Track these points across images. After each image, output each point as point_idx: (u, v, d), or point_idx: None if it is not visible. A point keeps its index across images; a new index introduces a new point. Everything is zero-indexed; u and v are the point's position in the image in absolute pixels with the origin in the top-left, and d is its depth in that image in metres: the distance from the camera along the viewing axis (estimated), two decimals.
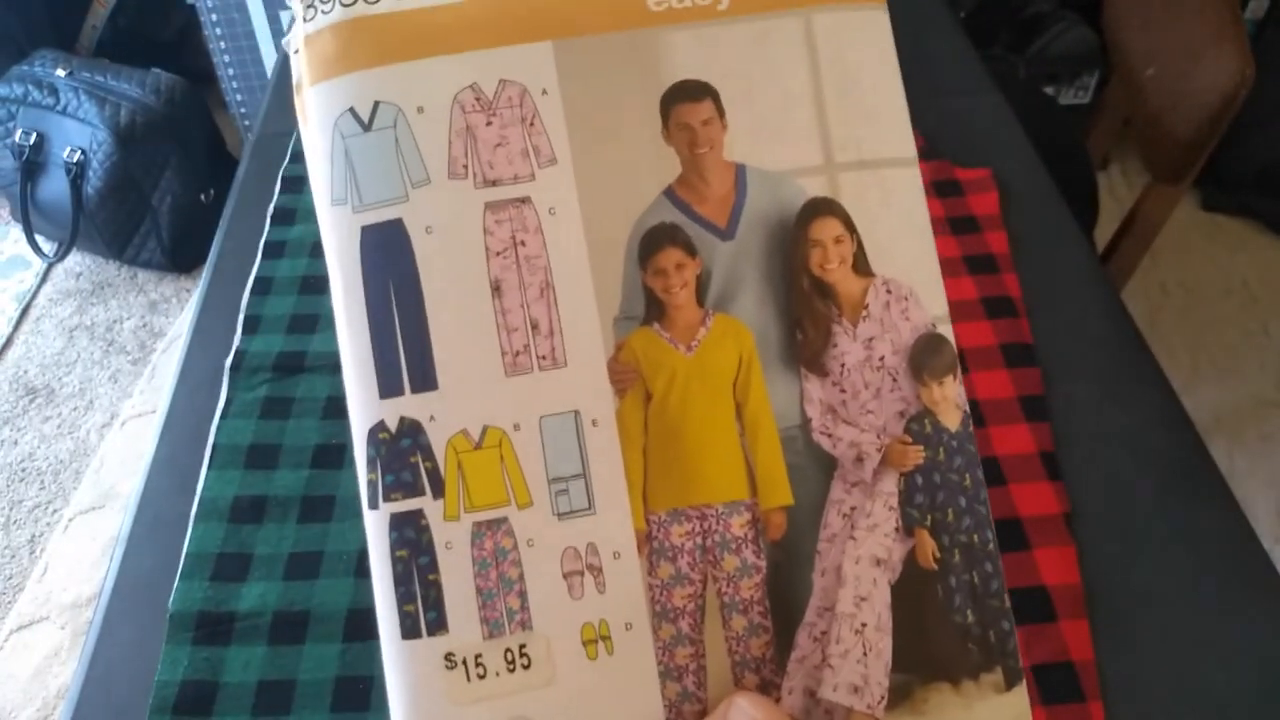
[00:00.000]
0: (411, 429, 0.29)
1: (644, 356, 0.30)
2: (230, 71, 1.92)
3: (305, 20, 0.30)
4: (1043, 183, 0.92)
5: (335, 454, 0.71)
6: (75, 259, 1.95)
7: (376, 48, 0.29)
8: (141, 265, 1.92)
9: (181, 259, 1.90)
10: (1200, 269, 1.86)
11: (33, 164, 1.78)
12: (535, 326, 0.29)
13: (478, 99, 0.29)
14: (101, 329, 1.83)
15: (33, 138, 1.75)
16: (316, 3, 0.30)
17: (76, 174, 1.74)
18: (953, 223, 0.87)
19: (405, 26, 0.29)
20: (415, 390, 0.29)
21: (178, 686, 0.60)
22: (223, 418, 0.74)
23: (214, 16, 1.84)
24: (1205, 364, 1.70)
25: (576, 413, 0.29)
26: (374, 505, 0.29)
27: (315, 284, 0.84)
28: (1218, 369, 1.70)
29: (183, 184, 1.82)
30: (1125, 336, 0.78)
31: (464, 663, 0.28)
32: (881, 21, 0.31)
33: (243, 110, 1.99)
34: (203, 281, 0.86)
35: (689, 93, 0.30)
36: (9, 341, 1.81)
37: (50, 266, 1.94)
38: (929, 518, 0.31)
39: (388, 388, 0.29)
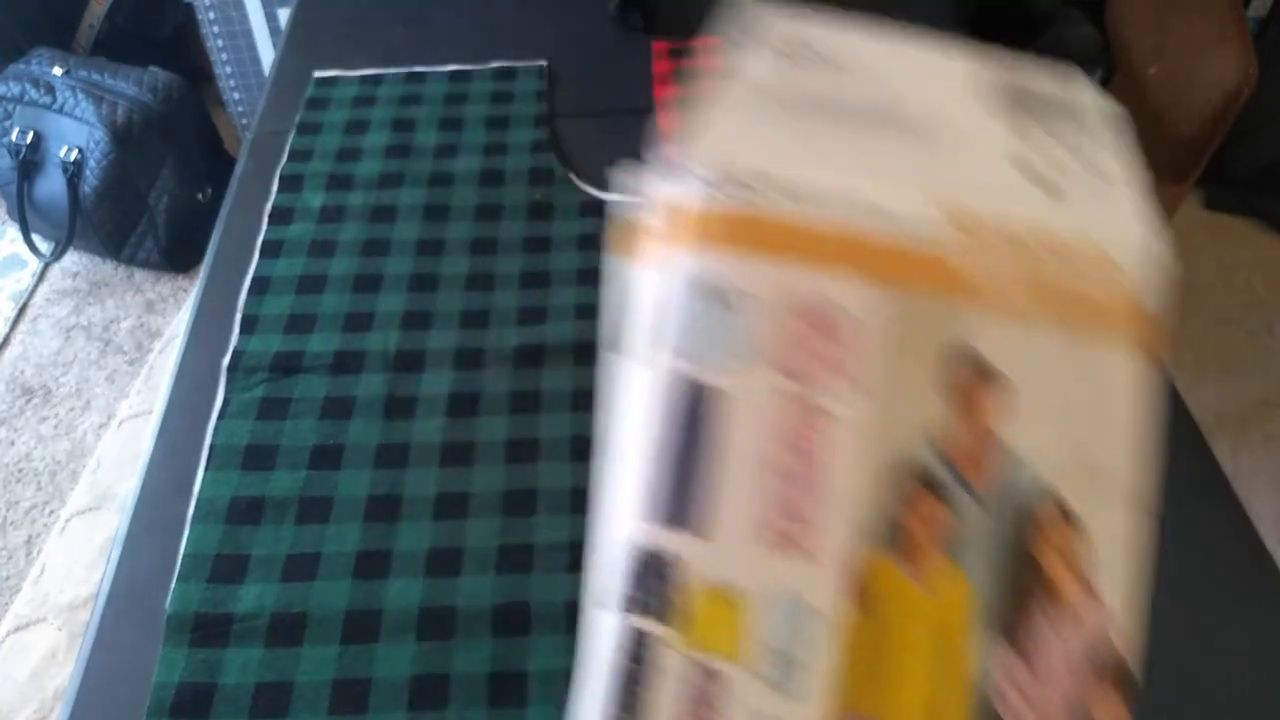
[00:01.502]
0: (662, 556, 0.32)
1: (881, 579, 0.33)
2: (228, 70, 1.92)
3: (707, 197, 0.35)
4: None
5: (333, 455, 0.71)
6: (72, 258, 1.94)
7: (758, 241, 0.34)
8: (138, 265, 1.91)
9: (178, 258, 1.89)
10: (1203, 268, 1.86)
11: (29, 163, 1.77)
12: (798, 515, 0.32)
13: (810, 309, 0.33)
14: (98, 329, 1.83)
15: (29, 136, 1.75)
16: (724, 186, 0.35)
17: (73, 173, 1.74)
18: None
19: (784, 233, 0.34)
20: (680, 528, 0.32)
21: (175, 688, 0.59)
22: (220, 418, 0.74)
23: (211, 15, 1.83)
24: (1208, 364, 1.70)
25: (810, 603, 0.32)
26: (613, 610, 0.32)
27: (312, 284, 0.83)
28: (1221, 369, 1.69)
29: (180, 183, 1.82)
30: None
31: None
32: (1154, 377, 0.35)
33: (240, 109, 1.98)
34: (200, 281, 0.86)
35: (982, 371, 0.34)
36: (5, 341, 1.80)
37: (47, 266, 1.93)
38: None
39: (656, 515, 0.33)
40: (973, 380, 0.34)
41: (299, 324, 0.80)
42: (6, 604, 1.44)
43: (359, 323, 0.80)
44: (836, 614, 0.32)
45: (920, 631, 0.33)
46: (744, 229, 0.34)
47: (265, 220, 0.89)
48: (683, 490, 0.32)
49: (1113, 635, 0.33)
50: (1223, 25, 0.95)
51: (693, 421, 0.33)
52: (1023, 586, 0.33)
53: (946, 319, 0.34)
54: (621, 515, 0.33)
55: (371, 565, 0.65)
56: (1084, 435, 0.34)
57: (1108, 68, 1.89)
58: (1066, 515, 0.34)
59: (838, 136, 0.37)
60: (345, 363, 0.77)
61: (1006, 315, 0.34)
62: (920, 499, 0.33)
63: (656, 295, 0.35)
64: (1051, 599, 0.33)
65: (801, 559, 0.32)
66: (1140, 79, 1.10)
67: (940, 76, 0.42)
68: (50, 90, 1.75)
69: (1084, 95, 0.41)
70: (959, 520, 0.33)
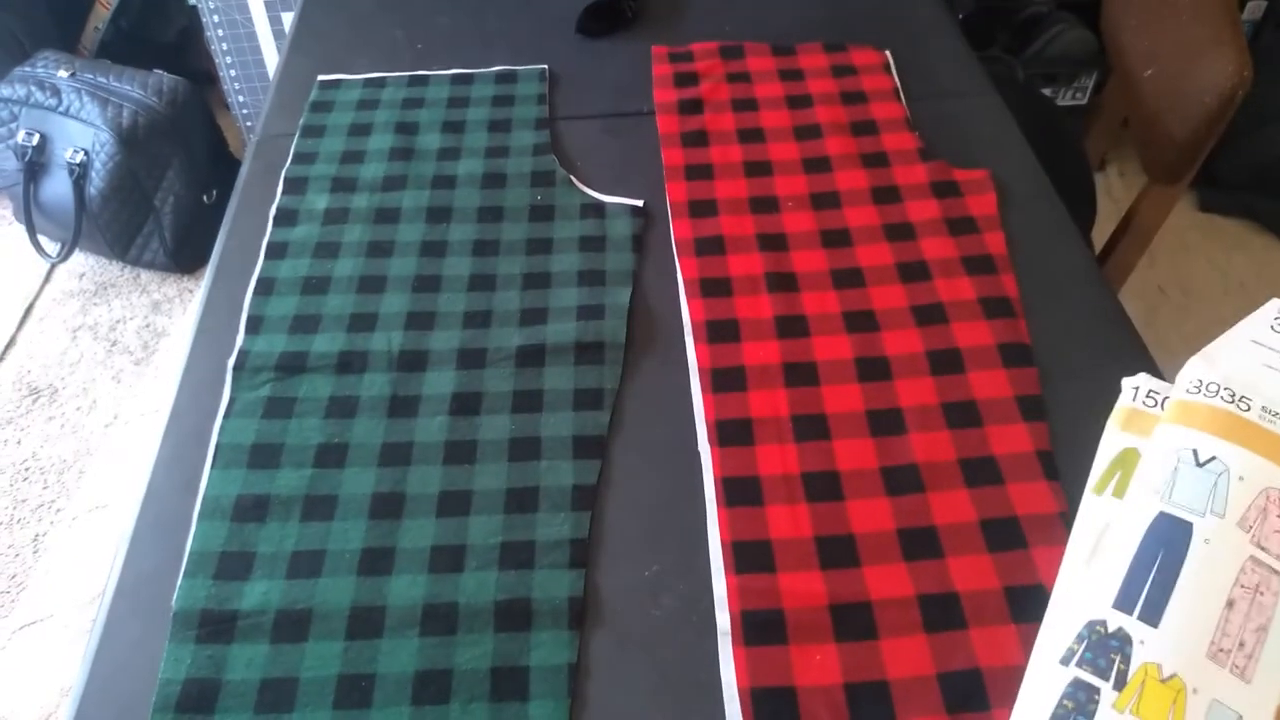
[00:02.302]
0: (1123, 637, 0.42)
1: None
2: (232, 73, 1.93)
3: (1190, 392, 0.50)
4: (1040, 183, 0.92)
5: (337, 453, 0.72)
6: (78, 259, 1.95)
7: (1239, 434, 0.47)
8: (144, 265, 1.92)
9: (184, 259, 1.90)
10: (1197, 270, 1.86)
11: (35, 165, 1.78)
12: (1242, 645, 0.40)
13: (1278, 500, 0.44)
14: (105, 329, 1.84)
15: (35, 138, 1.76)
16: (1215, 391, 0.49)
17: (79, 175, 1.75)
18: (950, 223, 0.87)
19: (1259, 434, 0.46)
20: (1141, 618, 0.42)
21: (181, 684, 0.60)
22: (225, 417, 0.75)
23: (216, 18, 1.84)
24: None
25: (1240, 715, 0.39)
26: (1065, 664, 0.43)
27: (317, 285, 0.84)
28: None
29: (185, 185, 1.83)
30: (1122, 336, 0.79)
31: None
32: None
33: (244, 111, 1.99)
34: (205, 282, 0.87)
35: None
36: (12, 341, 1.82)
37: (53, 267, 1.94)
38: None
39: (1121, 604, 0.43)
40: None
41: (304, 324, 0.81)
42: (14, 601, 1.45)
43: (363, 323, 0.81)
44: None
45: None
46: (1228, 422, 0.47)
47: (270, 222, 0.90)
48: (1151, 591, 0.42)
49: None
50: (1217, 28, 0.95)
51: (1166, 547, 0.43)
52: None
53: None
54: (1089, 601, 0.44)
55: (375, 562, 0.66)
56: None
57: (1102, 71, 1.89)
58: None
59: None
60: (349, 362, 0.78)
61: None
62: None
63: (1152, 457, 0.48)
64: None
65: (1239, 679, 0.40)
66: (1135, 82, 1.11)
67: None
68: (56, 93, 1.76)
69: None
70: None
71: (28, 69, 1.82)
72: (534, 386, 0.76)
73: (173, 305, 1.89)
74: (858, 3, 1.16)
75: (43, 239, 1.89)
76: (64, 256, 1.87)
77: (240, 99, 1.97)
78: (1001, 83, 1.05)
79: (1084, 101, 1.95)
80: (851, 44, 1.09)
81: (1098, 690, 0.40)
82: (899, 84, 1.03)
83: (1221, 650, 0.40)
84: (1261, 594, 0.41)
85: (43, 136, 1.76)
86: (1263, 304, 0.57)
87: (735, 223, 0.88)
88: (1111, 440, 0.55)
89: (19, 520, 1.55)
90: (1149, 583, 0.42)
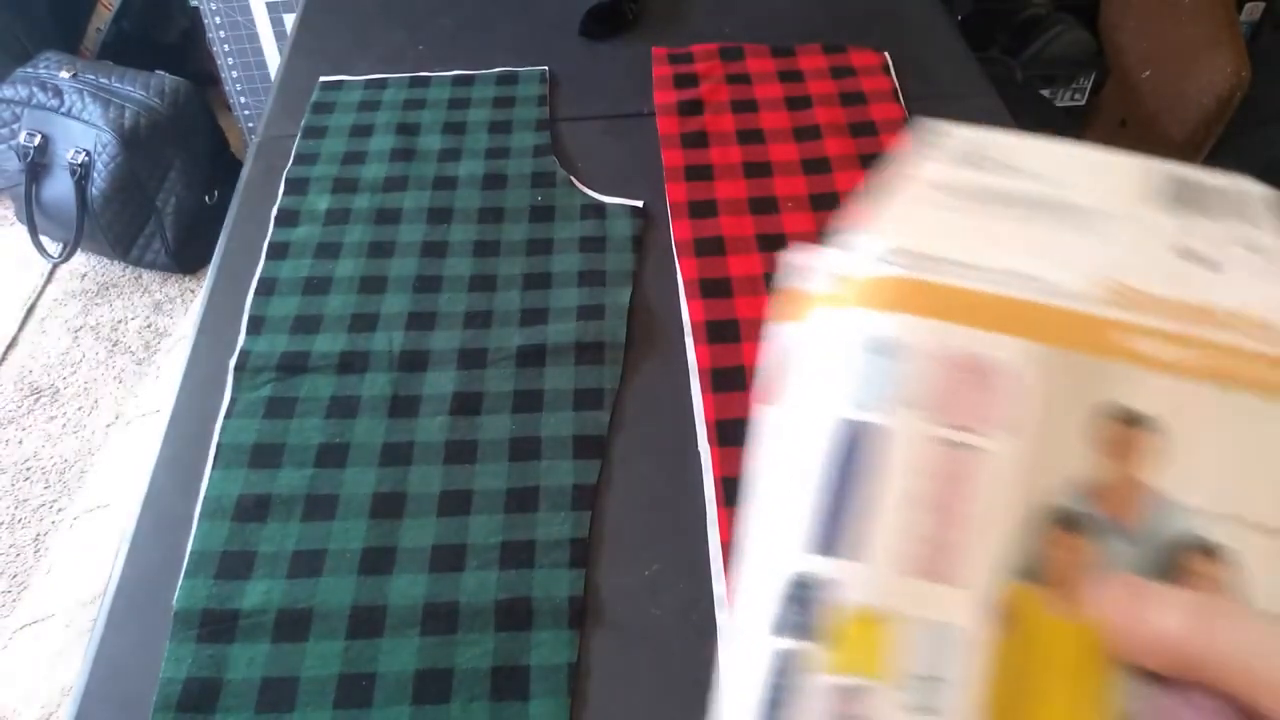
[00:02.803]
0: (820, 582, 0.34)
1: (1025, 606, 0.33)
2: (234, 74, 1.93)
3: (875, 266, 0.38)
4: None
5: (338, 453, 0.72)
6: (80, 260, 1.96)
7: (922, 304, 0.37)
8: (146, 266, 1.92)
9: (186, 260, 1.91)
10: None
11: (37, 165, 1.79)
12: (946, 546, 0.34)
13: (966, 362, 0.36)
14: (106, 329, 1.84)
15: (37, 139, 1.76)
16: (893, 258, 0.38)
17: (81, 175, 1.75)
18: None
19: (947, 297, 0.37)
20: (834, 555, 0.34)
21: (182, 684, 0.60)
22: (227, 417, 0.75)
23: (217, 19, 1.85)
24: None
25: (955, 625, 0.33)
26: (762, 635, 0.34)
27: (318, 285, 0.85)
28: None
29: (187, 185, 1.83)
30: None
31: None
32: None
33: (246, 112, 1.99)
34: (207, 282, 0.87)
35: (1135, 422, 0.34)
36: (14, 342, 1.82)
37: (55, 267, 1.94)
38: None
39: (813, 544, 0.35)
40: (1125, 433, 0.35)
41: (305, 324, 0.81)
42: (15, 601, 1.45)
43: (364, 323, 0.81)
44: (980, 636, 0.32)
45: (1064, 658, 0.33)
46: (909, 293, 0.37)
47: (272, 222, 0.91)
48: (839, 522, 0.34)
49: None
50: (1215, 29, 0.96)
51: (852, 460, 0.35)
52: None
53: (1101, 375, 0.35)
54: (773, 548, 0.35)
55: (376, 561, 0.66)
56: (1247, 488, 0.35)
57: (1101, 72, 1.90)
58: (1218, 552, 0.34)
59: (1006, 225, 0.40)
60: (351, 363, 0.78)
61: (1164, 374, 0.35)
62: (1065, 534, 0.34)
63: (821, 350, 0.38)
64: None
65: (947, 585, 0.33)
66: (1133, 83, 1.11)
67: (1108, 174, 0.45)
68: (58, 93, 1.76)
69: (1249, 186, 0.43)
70: (1105, 554, 0.34)
71: (30, 70, 1.83)
72: (534, 386, 0.76)
73: (174, 305, 1.89)
74: (857, 4, 1.16)
75: (44, 239, 1.89)
76: (66, 257, 1.87)
77: (242, 100, 1.98)
78: (1000, 84, 1.05)
79: (1082, 102, 1.95)
80: (851, 45, 1.09)
81: (800, 654, 0.33)
82: (898, 85, 1.03)
83: (923, 559, 0.34)
84: (955, 479, 0.35)
85: (45, 137, 1.77)
86: None
87: (735, 223, 0.89)
88: (778, 334, 0.43)
89: (20, 520, 1.55)
90: (835, 510, 0.35)
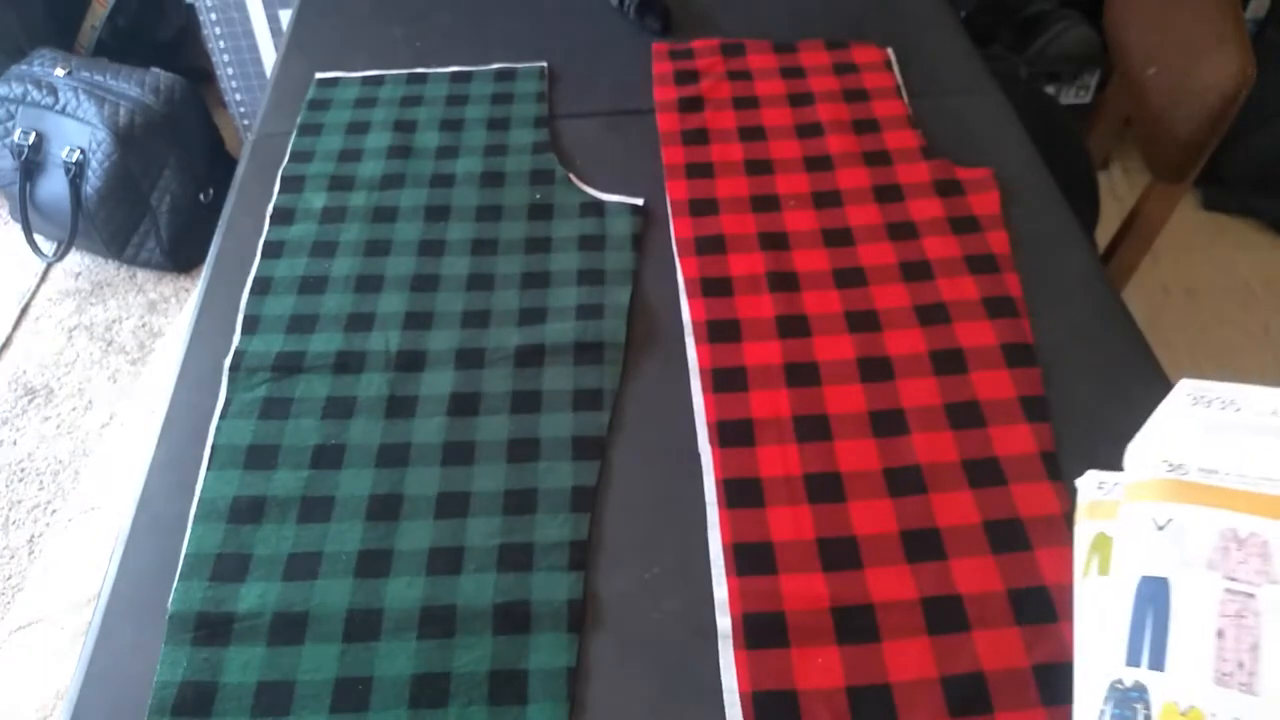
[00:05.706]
0: (1140, 688, 0.50)
1: None
2: (229, 71, 1.92)
3: (1150, 473, 0.59)
4: (1044, 182, 0.92)
5: (334, 454, 0.71)
6: (74, 259, 1.94)
7: (1191, 497, 0.56)
8: (141, 265, 1.91)
9: (181, 259, 1.90)
10: (1201, 269, 1.86)
11: (32, 163, 1.78)
12: (1241, 665, 0.48)
13: (1233, 538, 0.53)
14: (100, 329, 1.83)
15: (31, 137, 1.75)
16: (1159, 468, 0.58)
17: (75, 174, 1.74)
18: (953, 222, 0.86)
19: (1207, 492, 0.56)
20: (1150, 668, 0.50)
21: (177, 687, 0.60)
22: (222, 418, 0.74)
23: (213, 16, 1.84)
24: (1206, 364, 1.70)
25: None
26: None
27: (314, 284, 0.84)
28: (1219, 369, 1.69)
29: (182, 184, 1.82)
30: (1126, 336, 0.78)
31: None
32: None
33: (242, 110, 1.98)
34: (202, 281, 0.86)
35: None
36: (8, 341, 1.81)
37: (49, 266, 1.93)
38: None
39: (1131, 660, 0.51)
40: None
41: (301, 324, 0.80)
42: (9, 603, 1.45)
43: (360, 323, 0.80)
44: None
45: None
46: (1173, 488, 0.55)
47: (267, 221, 0.90)
48: (1155, 644, 0.50)
49: None
50: (1220, 26, 0.95)
51: (1155, 601, 0.52)
52: None
53: None
54: (1105, 667, 0.52)
55: (372, 564, 0.65)
56: None
57: (1105, 69, 1.89)
58: None
59: (1236, 444, 0.57)
60: (347, 363, 0.77)
61: None
62: None
63: (1123, 535, 0.56)
64: None
65: (1246, 693, 0.47)
66: (1138, 80, 1.11)
67: None
68: (53, 91, 1.75)
69: None
70: None
71: (24, 67, 1.82)
72: (533, 387, 0.75)
73: (169, 305, 1.88)
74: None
75: (39, 238, 1.88)
76: (60, 256, 1.86)
77: (237, 97, 1.97)
78: (1004, 80, 1.05)
79: (1087, 100, 1.95)
80: (853, 41, 1.08)
81: None
82: (901, 81, 1.03)
83: (1225, 674, 0.48)
84: (1243, 617, 0.50)
85: (39, 135, 1.76)
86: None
87: (736, 221, 0.88)
88: (1083, 530, 0.62)
89: (14, 522, 1.54)
90: (1147, 637, 0.51)
